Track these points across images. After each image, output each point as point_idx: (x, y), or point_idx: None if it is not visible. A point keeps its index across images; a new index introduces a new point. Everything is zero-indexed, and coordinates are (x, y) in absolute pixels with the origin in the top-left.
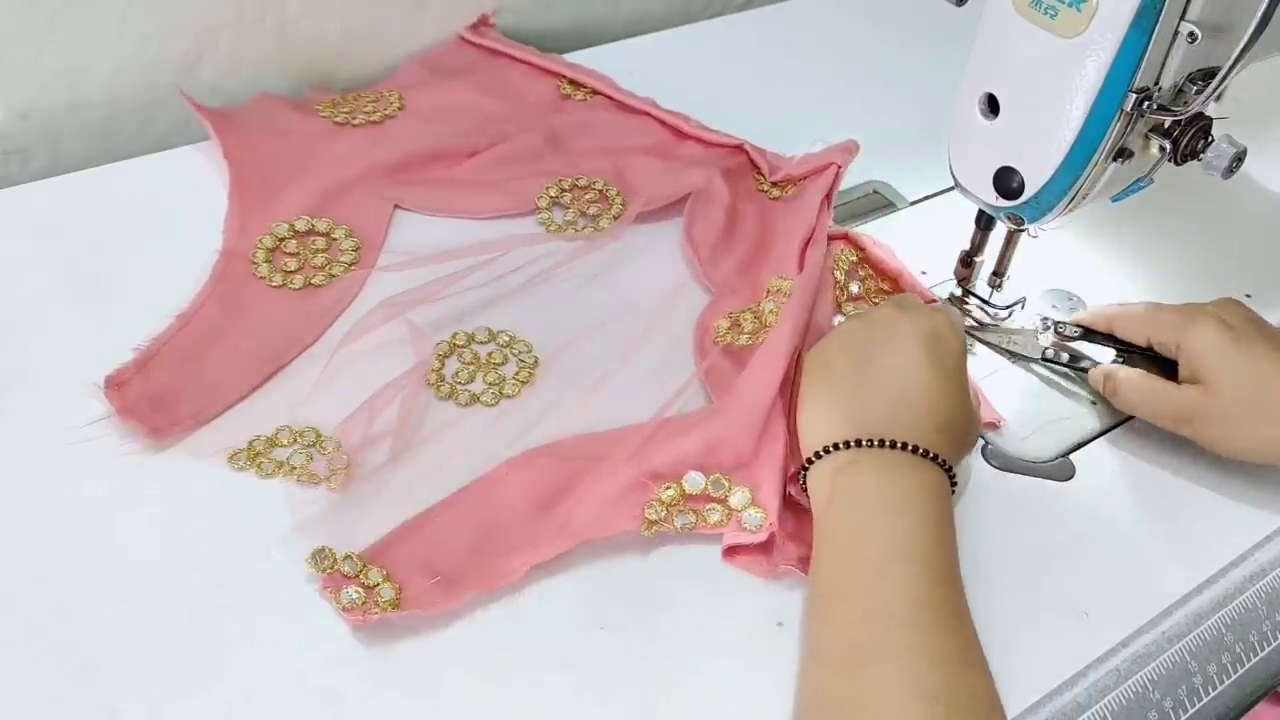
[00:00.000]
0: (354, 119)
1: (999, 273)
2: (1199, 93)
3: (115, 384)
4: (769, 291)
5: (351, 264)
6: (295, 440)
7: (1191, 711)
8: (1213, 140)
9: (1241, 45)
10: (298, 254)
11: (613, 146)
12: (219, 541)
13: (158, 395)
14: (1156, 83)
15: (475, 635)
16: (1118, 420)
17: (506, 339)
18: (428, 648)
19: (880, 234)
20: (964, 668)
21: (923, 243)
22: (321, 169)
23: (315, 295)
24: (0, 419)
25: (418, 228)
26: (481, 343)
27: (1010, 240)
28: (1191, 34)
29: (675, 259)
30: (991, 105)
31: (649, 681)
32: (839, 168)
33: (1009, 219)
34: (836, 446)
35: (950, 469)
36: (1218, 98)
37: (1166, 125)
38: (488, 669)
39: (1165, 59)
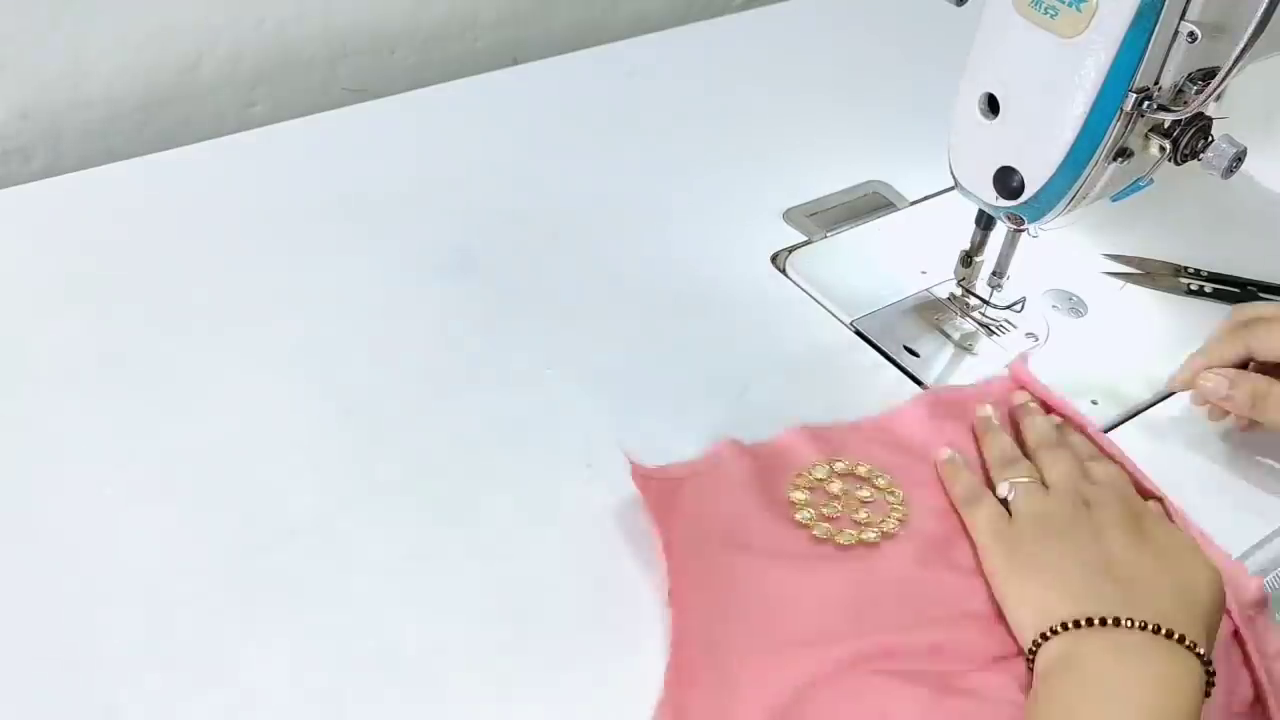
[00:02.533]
0: (839, 535)
1: (999, 273)
2: (1199, 93)
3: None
4: None
5: None
6: None
7: None
8: (1213, 140)
9: (1241, 45)
10: None
11: None
12: (219, 541)
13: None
14: (1156, 83)
15: (475, 635)
16: (1117, 421)
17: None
18: (428, 648)
19: (880, 234)
20: None
21: (923, 243)
22: (790, 638)
23: None
24: (0, 419)
25: None
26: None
27: (1010, 240)
28: (1191, 34)
29: None
30: (991, 105)
31: (649, 681)
32: None
33: (1009, 219)
34: (1073, 625)
35: (1208, 661)
36: (1218, 98)
37: (1166, 125)
38: (488, 669)
39: (1165, 59)
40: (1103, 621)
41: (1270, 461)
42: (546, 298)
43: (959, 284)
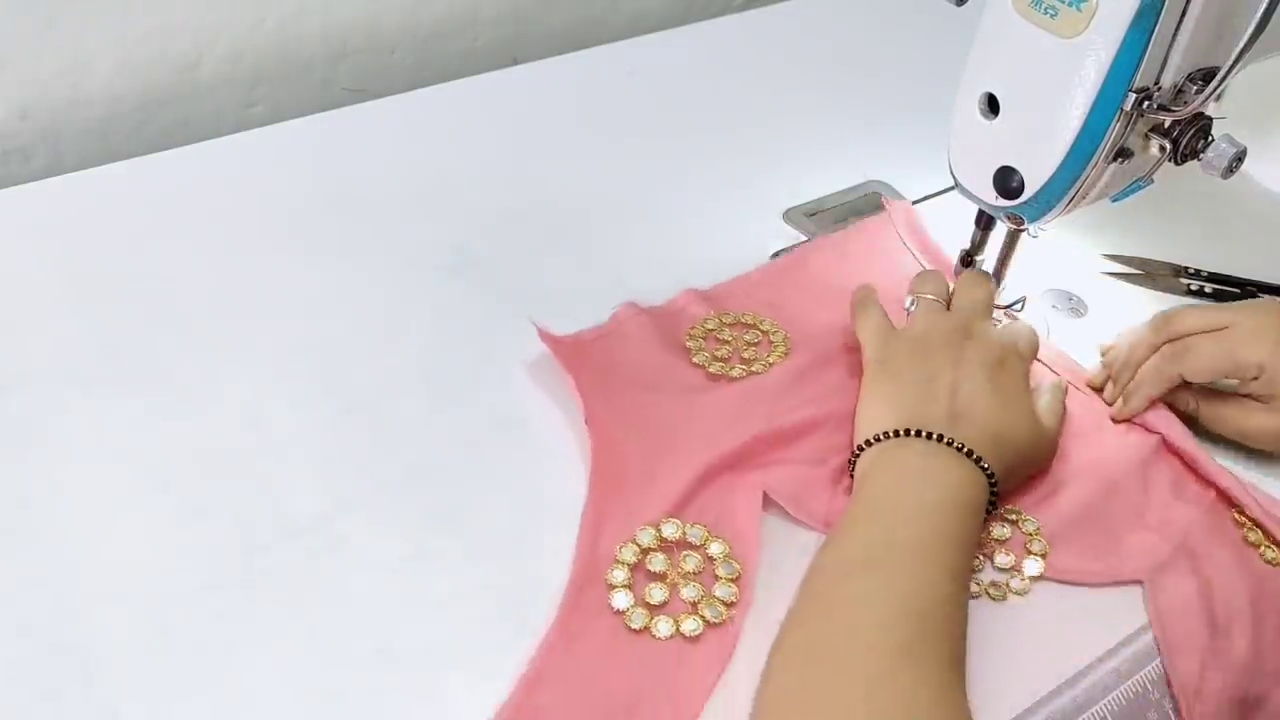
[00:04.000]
0: (731, 369)
1: (999, 273)
2: (1199, 93)
3: None
4: None
5: (729, 604)
6: None
7: None
8: (1213, 140)
9: (1241, 45)
10: (665, 576)
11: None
12: (219, 541)
13: None
14: (1156, 83)
15: (475, 635)
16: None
17: None
18: (428, 647)
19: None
20: (946, 608)
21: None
22: (693, 444)
23: (686, 654)
24: (0, 419)
25: (792, 539)
26: None
27: (1010, 240)
28: (1191, 34)
29: None
30: (991, 105)
31: None
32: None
33: (1009, 219)
34: (888, 435)
35: (993, 478)
36: (1218, 98)
37: (1166, 125)
38: (488, 669)
39: (1165, 59)
40: (918, 434)
41: (1264, 460)
42: (546, 297)
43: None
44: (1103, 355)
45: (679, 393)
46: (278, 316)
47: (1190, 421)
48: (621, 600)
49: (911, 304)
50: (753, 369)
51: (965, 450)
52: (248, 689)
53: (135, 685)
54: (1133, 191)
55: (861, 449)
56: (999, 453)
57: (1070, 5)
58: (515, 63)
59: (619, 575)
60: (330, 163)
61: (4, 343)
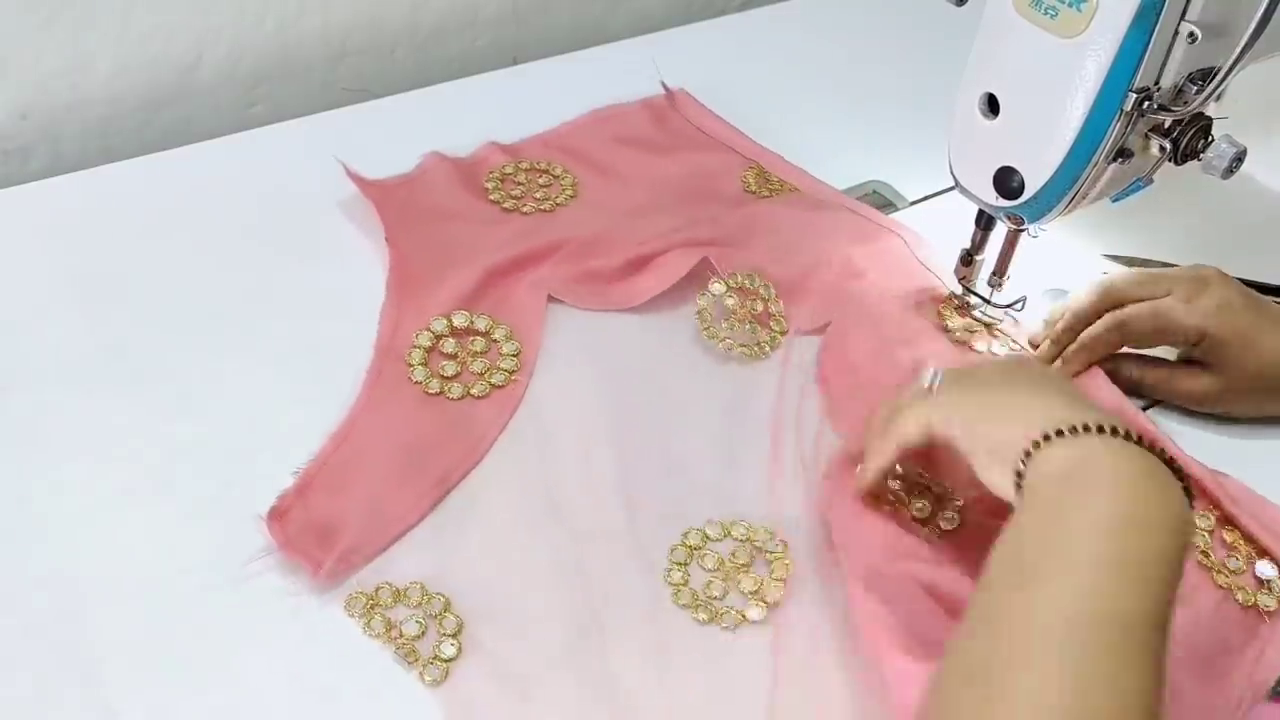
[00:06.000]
0: (523, 206)
1: (999, 272)
2: (1199, 93)
3: (278, 514)
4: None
5: (512, 372)
6: (421, 603)
7: None
8: (1213, 140)
9: (1241, 45)
10: (456, 355)
11: (793, 251)
12: (219, 541)
13: (321, 525)
14: (1156, 83)
15: (475, 635)
16: None
17: (744, 531)
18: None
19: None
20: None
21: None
22: (482, 257)
23: (474, 410)
24: (0, 419)
25: (575, 324)
26: (716, 540)
27: (1010, 240)
28: (1191, 34)
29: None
30: (991, 105)
31: (648, 684)
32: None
33: (1009, 219)
34: (1060, 433)
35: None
36: (1218, 98)
37: (1166, 125)
38: (487, 669)
39: (1165, 59)
40: (1099, 429)
41: (1261, 459)
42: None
43: (959, 283)
44: (1047, 319)
45: (474, 223)
46: (278, 316)
47: (1134, 389)
48: (419, 374)
49: (935, 376)
50: (543, 207)
51: (1137, 439)
52: (247, 689)
53: (135, 685)
54: (1133, 191)
55: (1034, 448)
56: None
57: (1070, 5)
58: (515, 63)
59: (416, 355)
60: (330, 163)
61: (4, 343)
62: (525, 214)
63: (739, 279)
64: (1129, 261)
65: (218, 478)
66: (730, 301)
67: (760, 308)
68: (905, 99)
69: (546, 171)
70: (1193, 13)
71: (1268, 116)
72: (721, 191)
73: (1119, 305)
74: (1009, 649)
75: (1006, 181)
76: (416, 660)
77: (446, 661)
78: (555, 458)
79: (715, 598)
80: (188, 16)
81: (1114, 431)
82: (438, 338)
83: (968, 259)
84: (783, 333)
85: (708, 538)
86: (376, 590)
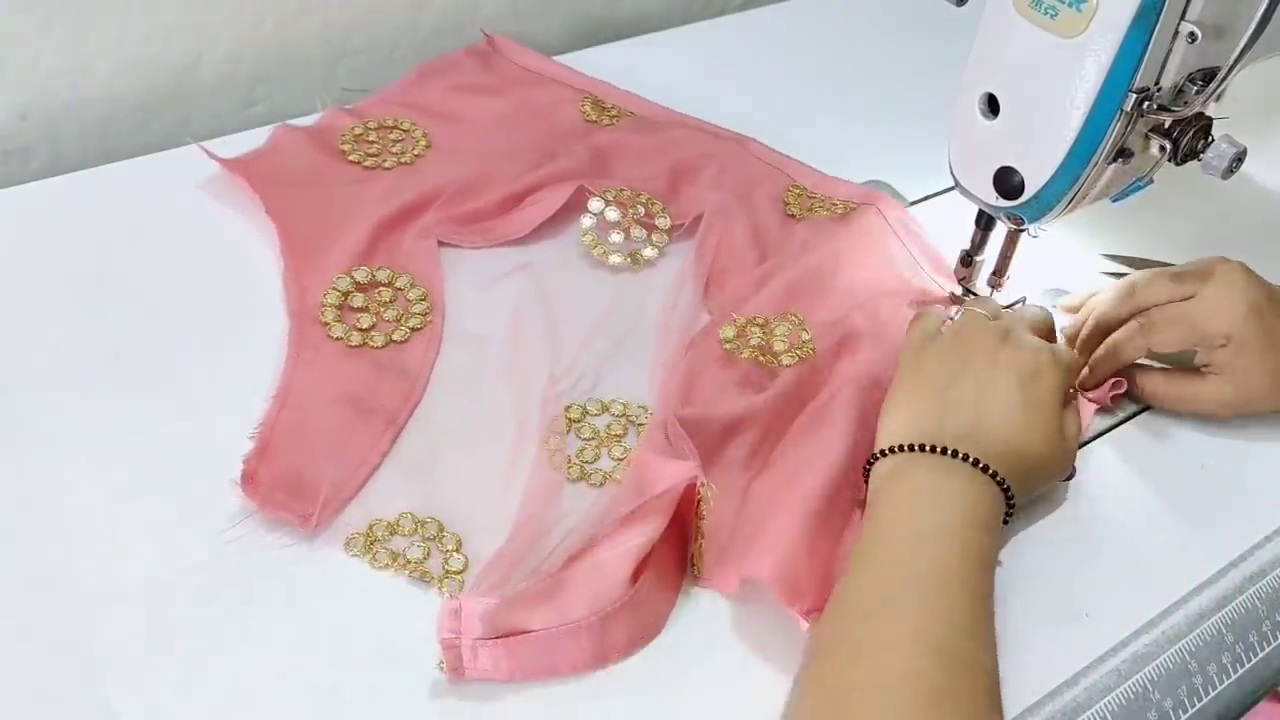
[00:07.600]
0: (384, 162)
1: (999, 272)
2: (1199, 93)
3: (248, 478)
4: (789, 316)
5: (424, 314)
6: (416, 530)
7: (1191, 711)
8: (1213, 140)
9: (1241, 45)
10: (367, 308)
11: (649, 165)
12: (219, 541)
13: (291, 481)
14: (1156, 83)
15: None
16: (1118, 420)
17: (620, 408)
18: (427, 647)
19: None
20: (974, 640)
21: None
22: (365, 214)
23: (401, 354)
24: (0, 419)
25: (470, 263)
26: (595, 414)
27: (1010, 240)
28: (1191, 34)
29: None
30: (991, 105)
31: (649, 680)
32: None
33: (1009, 219)
34: (903, 448)
35: (1010, 494)
36: (1218, 98)
37: (1166, 125)
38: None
39: (1165, 59)
40: (933, 449)
41: (1259, 465)
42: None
43: (959, 283)
44: (1066, 311)
45: (343, 184)
46: (277, 316)
47: (1146, 401)
48: (338, 330)
49: (957, 313)
50: (403, 160)
51: (981, 465)
52: (247, 689)
53: (135, 685)
54: (1133, 191)
55: (877, 458)
56: (1016, 466)
57: (1070, 5)
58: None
59: (330, 314)
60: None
61: (4, 343)
62: (388, 169)
63: (614, 192)
64: (1129, 261)
65: (218, 478)
66: (612, 214)
67: (642, 212)
68: (905, 99)
69: (396, 127)
70: (1193, 13)
71: (1268, 117)
72: (565, 122)
73: (1144, 309)
74: (876, 685)
75: (1006, 181)
76: (431, 580)
77: (458, 573)
78: (485, 377)
79: (587, 461)
80: (187, 16)
81: (935, 450)
82: (344, 295)
83: (968, 259)
84: (668, 231)
85: (586, 412)
86: (370, 527)
